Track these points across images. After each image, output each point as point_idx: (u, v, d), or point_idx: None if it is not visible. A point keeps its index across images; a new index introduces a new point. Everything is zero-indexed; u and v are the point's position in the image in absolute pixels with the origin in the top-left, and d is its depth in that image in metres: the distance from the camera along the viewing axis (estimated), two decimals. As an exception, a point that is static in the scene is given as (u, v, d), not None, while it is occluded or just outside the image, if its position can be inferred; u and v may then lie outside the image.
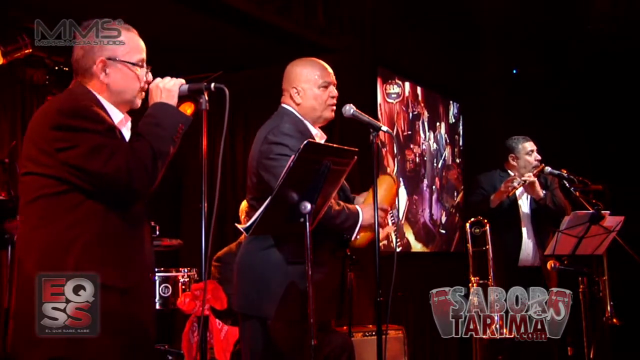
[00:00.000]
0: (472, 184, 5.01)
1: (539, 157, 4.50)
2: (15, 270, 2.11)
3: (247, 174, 2.81)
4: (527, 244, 4.44)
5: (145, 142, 2.09)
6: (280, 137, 2.66)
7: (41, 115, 2.12)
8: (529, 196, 4.46)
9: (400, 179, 6.15)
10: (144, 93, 2.27)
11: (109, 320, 2.02)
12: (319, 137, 2.87)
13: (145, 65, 2.26)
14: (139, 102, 2.26)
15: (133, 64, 2.21)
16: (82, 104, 2.09)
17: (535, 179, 4.35)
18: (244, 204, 4.46)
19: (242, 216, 4.42)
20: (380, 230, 2.77)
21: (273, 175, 2.57)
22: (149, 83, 2.26)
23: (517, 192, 4.43)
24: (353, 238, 2.75)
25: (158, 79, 2.25)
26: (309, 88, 2.82)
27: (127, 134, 2.22)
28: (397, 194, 2.96)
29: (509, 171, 4.58)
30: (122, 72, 2.20)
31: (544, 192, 4.39)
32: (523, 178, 4.34)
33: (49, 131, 2.03)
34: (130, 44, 2.23)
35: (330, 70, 2.88)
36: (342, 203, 2.72)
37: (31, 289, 1.98)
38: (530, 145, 4.53)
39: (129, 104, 2.25)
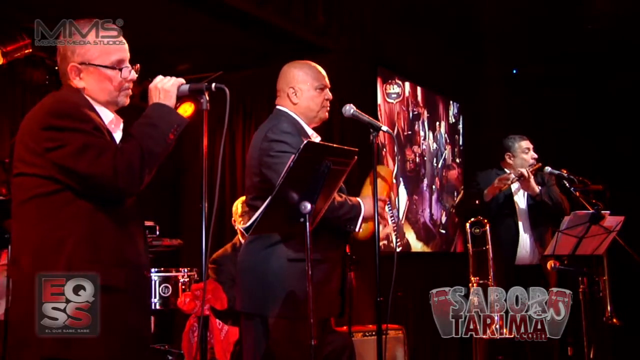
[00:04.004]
0: (470, 180, 5.03)
1: (535, 156, 4.53)
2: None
3: (246, 175, 2.82)
4: (524, 240, 4.45)
5: (135, 142, 2.09)
6: (280, 134, 2.68)
7: (31, 116, 2.12)
8: (525, 192, 4.48)
9: (400, 178, 6.15)
10: (130, 91, 2.27)
11: (101, 319, 2.01)
12: (314, 137, 2.90)
13: (126, 65, 2.23)
14: (125, 101, 2.25)
15: (105, 66, 2.19)
16: (70, 104, 2.10)
17: (531, 174, 4.36)
18: (236, 205, 4.44)
19: (235, 217, 4.39)
20: (381, 222, 2.78)
21: (275, 172, 2.59)
22: (132, 81, 2.25)
23: (514, 188, 4.46)
24: (357, 230, 2.76)
25: (158, 79, 2.24)
26: (306, 89, 2.85)
27: (119, 134, 2.22)
28: (391, 185, 2.97)
29: (506, 169, 4.59)
30: (94, 76, 2.19)
31: (539, 188, 4.41)
32: (518, 172, 4.37)
33: (38, 132, 2.04)
34: (102, 47, 2.20)
35: (324, 73, 2.92)
36: (343, 195, 2.74)
37: (27, 288, 1.98)
38: (526, 144, 4.56)
39: (113, 104, 2.24)
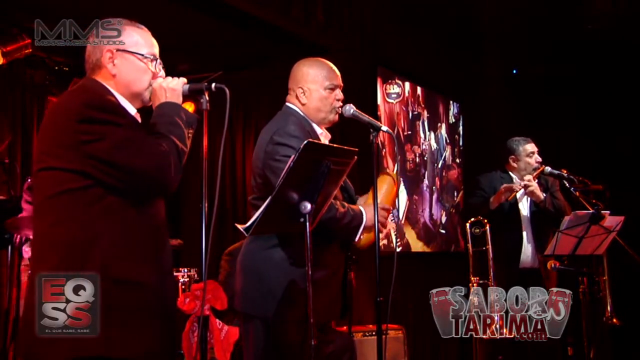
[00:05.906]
0: (472, 184, 5.01)
1: (539, 159, 4.48)
2: (15, 268, 2.08)
3: (252, 174, 2.80)
4: (527, 247, 4.43)
5: (168, 138, 2.09)
6: (286, 138, 2.65)
7: (61, 109, 2.08)
8: (529, 199, 4.45)
9: (400, 179, 6.15)
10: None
11: (136, 316, 2.00)
12: (324, 136, 2.87)
13: (157, 59, 2.25)
14: (148, 96, 2.24)
15: (142, 55, 2.21)
16: (106, 97, 2.08)
17: (535, 183, 4.34)
18: None
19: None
20: (382, 230, 2.77)
21: (278, 177, 2.56)
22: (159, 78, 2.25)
23: (517, 195, 4.42)
24: (357, 239, 2.74)
25: (160, 79, 2.24)
26: (315, 89, 2.80)
27: None
28: (397, 193, 2.95)
29: (510, 172, 4.57)
30: (130, 62, 2.19)
31: (544, 195, 4.38)
32: (523, 182, 4.33)
33: (73, 124, 1.99)
34: (138, 38, 2.22)
35: (337, 72, 2.86)
36: (346, 204, 2.71)
37: None
38: (531, 147, 4.51)
39: (138, 98, 2.22)
